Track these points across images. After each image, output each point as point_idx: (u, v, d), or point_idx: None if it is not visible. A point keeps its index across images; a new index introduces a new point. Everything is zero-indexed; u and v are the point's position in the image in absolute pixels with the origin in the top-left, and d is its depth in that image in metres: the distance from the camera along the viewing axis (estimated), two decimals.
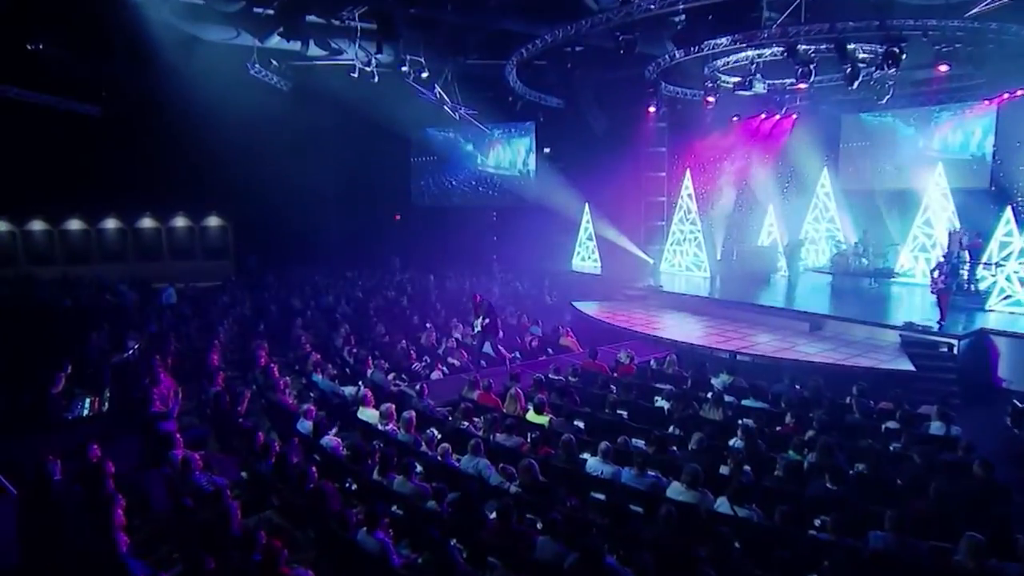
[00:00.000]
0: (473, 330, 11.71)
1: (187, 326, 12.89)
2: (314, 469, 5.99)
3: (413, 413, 7.31)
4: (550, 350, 12.37)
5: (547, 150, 20.45)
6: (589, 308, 15.27)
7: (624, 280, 16.88)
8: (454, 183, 22.77)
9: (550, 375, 9.44)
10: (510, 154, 21.51)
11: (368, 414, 7.74)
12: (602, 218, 18.59)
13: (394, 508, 5.70)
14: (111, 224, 20.85)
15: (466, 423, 7.59)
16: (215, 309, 14.27)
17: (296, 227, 18.97)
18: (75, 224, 20.48)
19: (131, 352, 10.30)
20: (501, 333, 11.58)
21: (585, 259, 19.12)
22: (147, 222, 21.20)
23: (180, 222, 21.56)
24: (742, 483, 5.64)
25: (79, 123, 16.17)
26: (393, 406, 7.55)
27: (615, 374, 9.76)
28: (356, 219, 20.39)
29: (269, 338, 11.32)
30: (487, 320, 10.94)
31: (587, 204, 18.73)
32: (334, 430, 7.32)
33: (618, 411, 8.13)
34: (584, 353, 11.10)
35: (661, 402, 8.48)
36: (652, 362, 10.69)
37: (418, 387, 8.77)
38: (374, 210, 21.59)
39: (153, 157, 16.86)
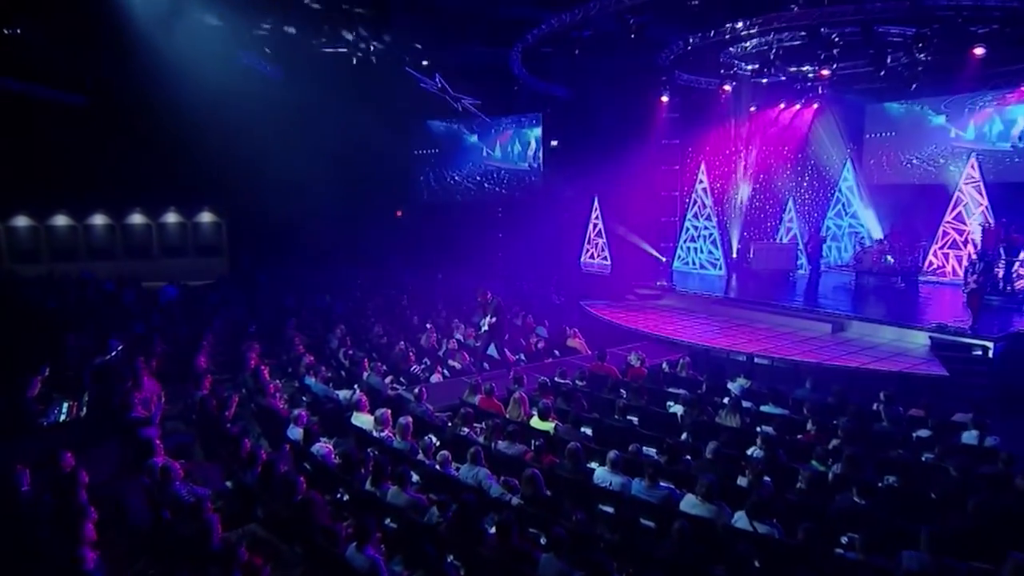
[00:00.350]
0: (478, 330, 11.34)
1: (175, 327, 12.64)
2: (302, 479, 5.71)
3: (410, 419, 7.04)
4: (556, 352, 12.15)
5: (554, 143, 20.04)
6: (598, 308, 15.01)
7: (635, 279, 16.58)
8: (456, 178, 22.25)
9: (556, 379, 9.20)
10: (519, 146, 21.06)
11: (363, 419, 7.50)
12: (612, 214, 18.21)
13: (387, 521, 5.42)
14: (99, 220, 20.49)
15: (466, 429, 7.32)
16: (205, 309, 14.02)
17: (293, 224, 18.71)
18: (61, 220, 20.14)
19: (114, 354, 10.01)
20: (507, 335, 11.22)
21: (594, 257, 18.74)
22: (137, 218, 20.86)
23: (172, 218, 21.18)
24: (762, 496, 5.32)
25: (64, 114, 15.87)
26: (389, 411, 7.31)
27: (625, 378, 9.49)
28: (355, 216, 20.07)
29: (261, 339, 11.11)
30: (495, 319, 10.54)
31: (596, 199, 18.36)
32: (331, 442, 7.01)
33: (628, 417, 7.86)
34: (592, 355, 10.83)
35: (674, 408, 8.21)
36: (664, 365, 10.42)
37: (416, 391, 8.50)
38: (373, 206, 21.26)
39: (143, 150, 16.41)
